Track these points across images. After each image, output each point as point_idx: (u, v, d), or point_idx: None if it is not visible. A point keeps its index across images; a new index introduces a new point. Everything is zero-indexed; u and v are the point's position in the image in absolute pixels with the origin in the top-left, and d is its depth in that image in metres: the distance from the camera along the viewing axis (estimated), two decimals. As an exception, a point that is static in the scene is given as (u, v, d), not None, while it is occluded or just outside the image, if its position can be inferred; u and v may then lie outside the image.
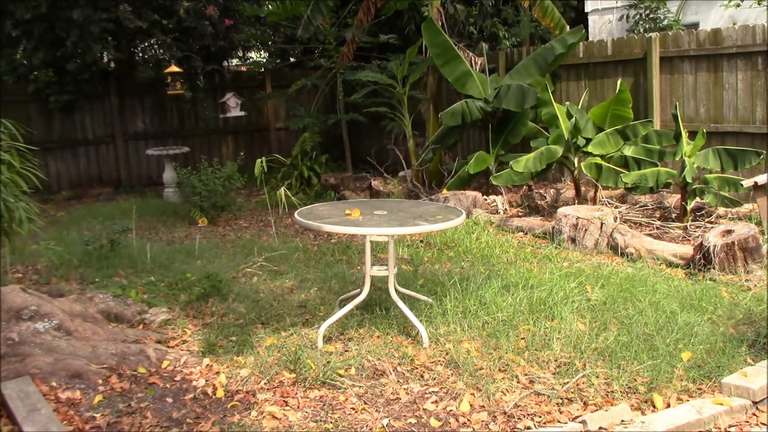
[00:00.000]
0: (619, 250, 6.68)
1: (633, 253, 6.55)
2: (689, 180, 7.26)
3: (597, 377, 3.96)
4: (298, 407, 3.81)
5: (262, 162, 7.96)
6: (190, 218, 9.25)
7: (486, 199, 8.82)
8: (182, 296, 5.76)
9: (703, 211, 7.69)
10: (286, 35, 13.14)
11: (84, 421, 3.64)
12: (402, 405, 3.83)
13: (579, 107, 8.56)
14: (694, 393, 3.79)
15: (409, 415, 3.72)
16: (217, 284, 5.68)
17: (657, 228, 7.52)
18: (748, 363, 4.05)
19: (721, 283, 5.64)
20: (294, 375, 4.13)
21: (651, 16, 13.85)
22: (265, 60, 14.59)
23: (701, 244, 6.07)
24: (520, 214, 8.70)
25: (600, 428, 3.40)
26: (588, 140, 8.01)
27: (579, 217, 6.99)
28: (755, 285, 5.54)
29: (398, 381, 4.09)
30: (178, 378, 4.20)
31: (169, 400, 3.94)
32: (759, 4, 12.24)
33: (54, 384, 3.95)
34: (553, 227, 7.27)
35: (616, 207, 8.16)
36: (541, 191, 9.19)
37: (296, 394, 3.95)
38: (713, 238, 5.99)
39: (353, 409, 3.79)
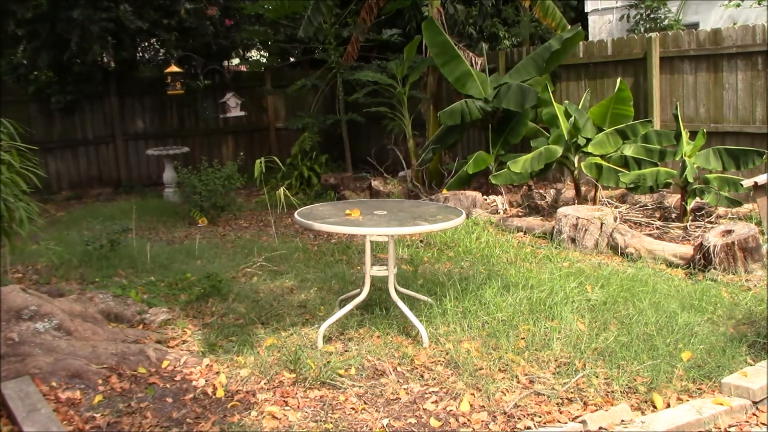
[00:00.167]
0: (619, 250, 6.68)
1: (633, 253, 6.55)
2: (689, 180, 7.26)
3: (597, 377, 3.96)
4: (298, 407, 3.81)
5: (261, 162, 7.96)
6: (190, 218, 9.25)
7: (486, 199, 8.82)
8: (182, 296, 5.76)
9: (703, 211, 7.69)
10: (286, 35, 13.15)
11: (84, 421, 3.64)
12: (402, 405, 3.83)
13: (579, 107, 8.56)
14: (694, 393, 3.79)
15: (409, 415, 3.72)
16: (217, 284, 5.68)
17: (657, 228, 7.52)
18: (748, 363, 4.05)
19: (721, 283, 5.64)
20: (294, 375, 4.13)
21: (651, 16, 13.84)
22: (265, 60, 14.59)
23: (701, 244, 6.07)
24: (520, 214, 8.70)
25: (600, 428, 3.40)
26: (588, 140, 8.01)
27: (579, 217, 6.99)
28: (755, 285, 5.55)
29: (398, 381, 4.09)
30: (178, 378, 4.20)
31: (169, 400, 3.94)
32: (759, 4, 12.23)
33: (54, 384, 3.95)
34: (553, 227, 7.27)
35: (616, 207, 8.16)
36: (541, 191, 9.19)
37: (296, 394, 3.95)
38: (713, 238, 5.99)
39: (353, 409, 3.79)
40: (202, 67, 12.46)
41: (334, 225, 4.49)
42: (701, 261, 6.02)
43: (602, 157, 7.97)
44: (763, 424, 3.53)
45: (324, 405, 3.83)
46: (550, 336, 4.46)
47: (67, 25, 11.02)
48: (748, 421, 3.57)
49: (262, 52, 15.51)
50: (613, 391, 3.83)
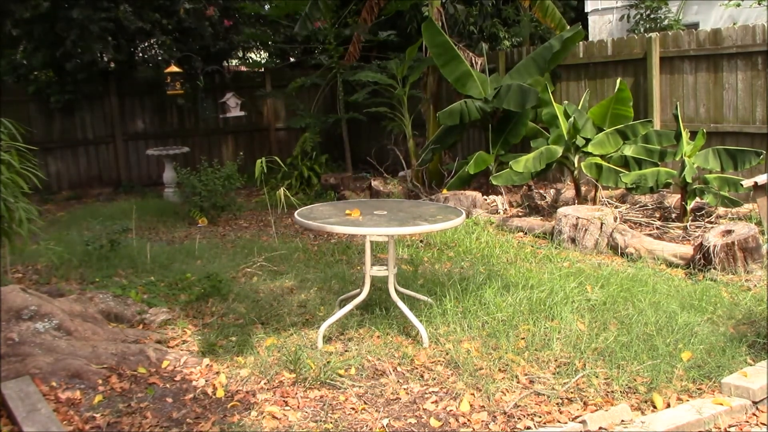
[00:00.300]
0: (619, 250, 6.68)
1: (633, 253, 6.55)
2: (689, 180, 7.26)
3: (597, 377, 3.96)
4: (298, 407, 3.81)
5: (262, 162, 7.96)
6: (190, 218, 9.25)
7: (486, 199, 8.82)
8: (182, 296, 5.76)
9: (703, 211, 7.69)
10: (286, 35, 13.14)
11: (84, 421, 3.64)
12: (402, 405, 3.83)
13: (579, 107, 8.56)
14: (694, 393, 3.79)
15: (409, 415, 3.72)
16: (217, 284, 5.68)
17: (657, 228, 7.52)
18: (748, 363, 4.05)
19: (721, 283, 5.64)
20: (294, 375, 4.13)
21: (651, 16, 13.84)
22: (265, 60, 14.58)
23: (701, 244, 6.07)
24: (520, 214, 8.70)
25: (600, 428, 3.40)
26: (588, 140, 8.01)
27: (579, 217, 6.99)
28: (755, 285, 5.55)
29: (398, 381, 4.09)
30: (178, 378, 4.20)
31: (169, 400, 3.94)
32: (759, 4, 12.24)
33: (54, 384, 3.95)
34: (553, 227, 7.27)
35: (616, 207, 8.16)
36: (541, 191, 9.19)
37: (296, 394, 3.95)
38: (713, 238, 5.99)
39: (353, 409, 3.79)
40: (201, 67, 12.46)
41: (334, 225, 4.49)
42: (701, 261, 6.02)
43: (602, 157, 7.97)
44: (763, 424, 3.53)
45: (324, 405, 3.83)
46: (550, 336, 4.46)
47: (66, 25, 11.03)
48: (748, 421, 3.57)
49: (261, 53, 15.49)
50: (613, 391, 3.83)
